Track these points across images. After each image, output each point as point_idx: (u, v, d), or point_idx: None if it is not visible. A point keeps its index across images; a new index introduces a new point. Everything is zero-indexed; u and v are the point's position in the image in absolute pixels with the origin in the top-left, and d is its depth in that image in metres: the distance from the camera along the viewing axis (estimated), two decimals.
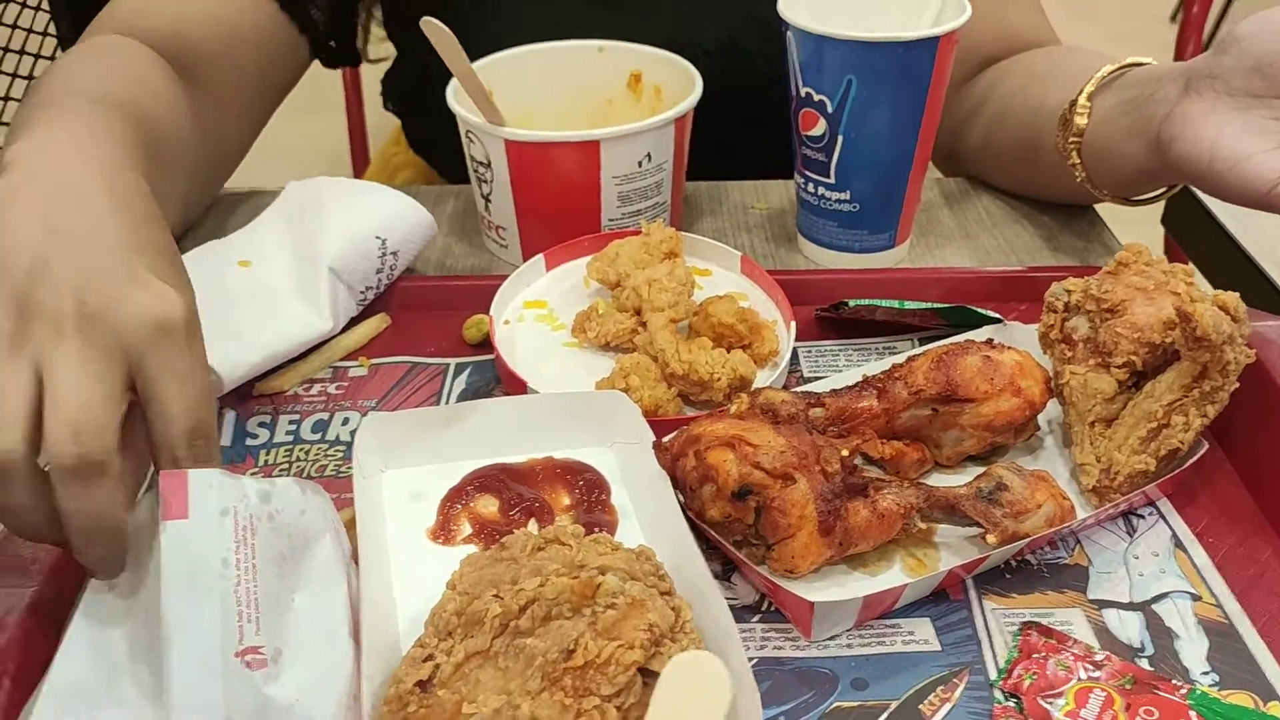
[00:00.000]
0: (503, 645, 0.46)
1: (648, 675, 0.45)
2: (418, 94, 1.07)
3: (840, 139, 0.74)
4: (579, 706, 0.43)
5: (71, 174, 0.54)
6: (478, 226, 0.86)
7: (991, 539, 0.54)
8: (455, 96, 0.79)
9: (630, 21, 0.89)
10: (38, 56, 1.04)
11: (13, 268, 0.48)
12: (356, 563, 0.53)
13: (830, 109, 0.73)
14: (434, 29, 0.72)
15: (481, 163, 0.78)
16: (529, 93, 0.85)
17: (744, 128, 0.94)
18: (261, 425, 0.66)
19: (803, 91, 0.74)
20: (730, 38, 0.92)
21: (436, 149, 1.11)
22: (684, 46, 0.85)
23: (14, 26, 0.99)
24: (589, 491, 0.60)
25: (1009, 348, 0.62)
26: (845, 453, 0.55)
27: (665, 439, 0.58)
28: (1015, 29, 0.92)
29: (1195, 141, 0.65)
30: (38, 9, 1.05)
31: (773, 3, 0.92)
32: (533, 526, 0.58)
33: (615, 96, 0.88)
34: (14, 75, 0.99)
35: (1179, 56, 1.24)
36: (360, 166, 1.73)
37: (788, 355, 0.67)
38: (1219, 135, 0.64)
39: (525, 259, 0.80)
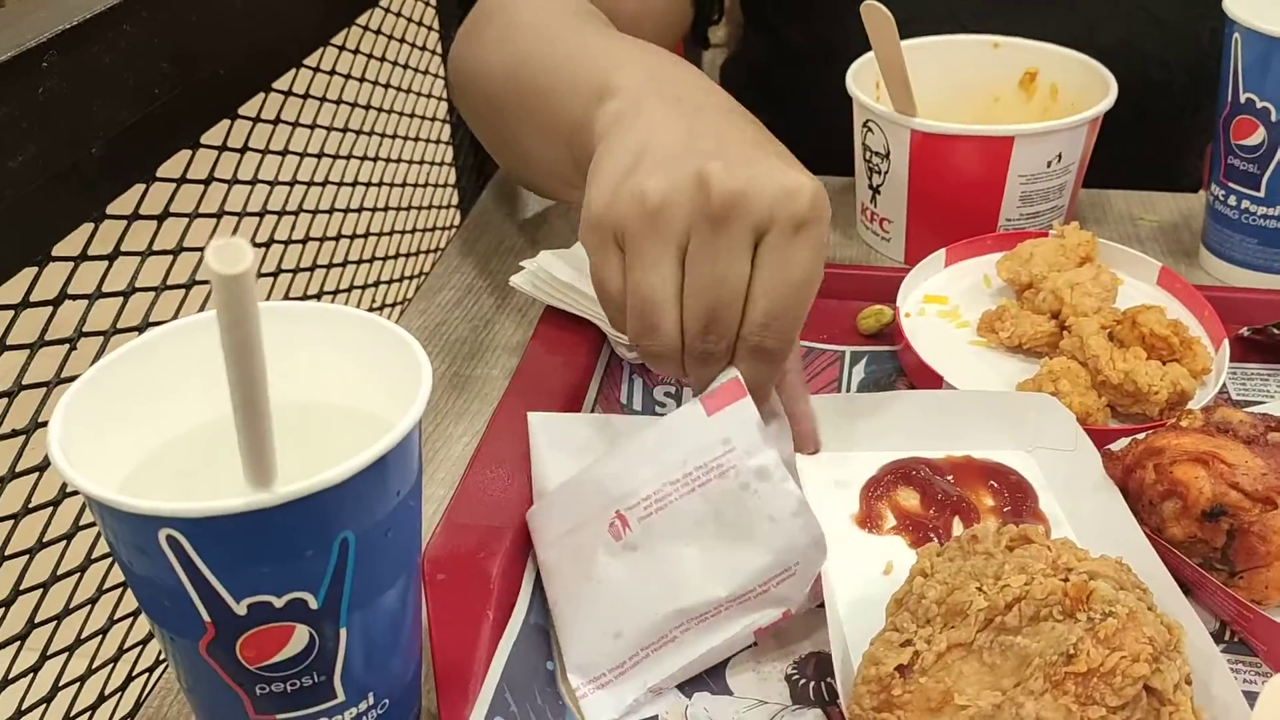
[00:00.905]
0: (987, 640, 0.44)
1: (1149, 691, 0.42)
2: (767, 80, 1.07)
3: None
4: (1084, 714, 0.41)
5: (679, 85, 0.58)
6: (852, 217, 0.85)
7: None
8: (855, 80, 0.78)
9: (1024, 18, 0.86)
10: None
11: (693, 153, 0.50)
12: None
13: (1275, 117, 0.69)
14: (874, 11, 0.71)
15: (878, 153, 0.77)
16: (916, 86, 0.83)
17: (1128, 134, 0.89)
18: (668, 395, 0.67)
19: (1243, 97, 0.70)
20: (1126, 38, 0.88)
21: (780, 136, 1.11)
22: (1078, 45, 0.81)
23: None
24: (1014, 494, 0.58)
25: None
26: None
27: (1115, 448, 0.55)
28: None
29: None
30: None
31: (1176, 4, 0.87)
32: (957, 524, 0.57)
33: (1003, 94, 0.85)
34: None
35: None
36: None
37: (1223, 374, 0.63)
38: None
39: (909, 253, 0.79)
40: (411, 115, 1.00)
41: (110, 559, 0.60)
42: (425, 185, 1.06)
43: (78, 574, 0.61)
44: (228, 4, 0.67)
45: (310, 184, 0.84)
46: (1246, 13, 0.69)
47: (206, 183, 0.71)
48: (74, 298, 0.59)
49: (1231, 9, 0.70)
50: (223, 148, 0.72)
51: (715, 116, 0.55)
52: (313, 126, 0.83)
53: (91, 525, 0.59)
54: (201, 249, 0.31)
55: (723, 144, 0.52)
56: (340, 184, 0.88)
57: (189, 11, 0.63)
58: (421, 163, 1.04)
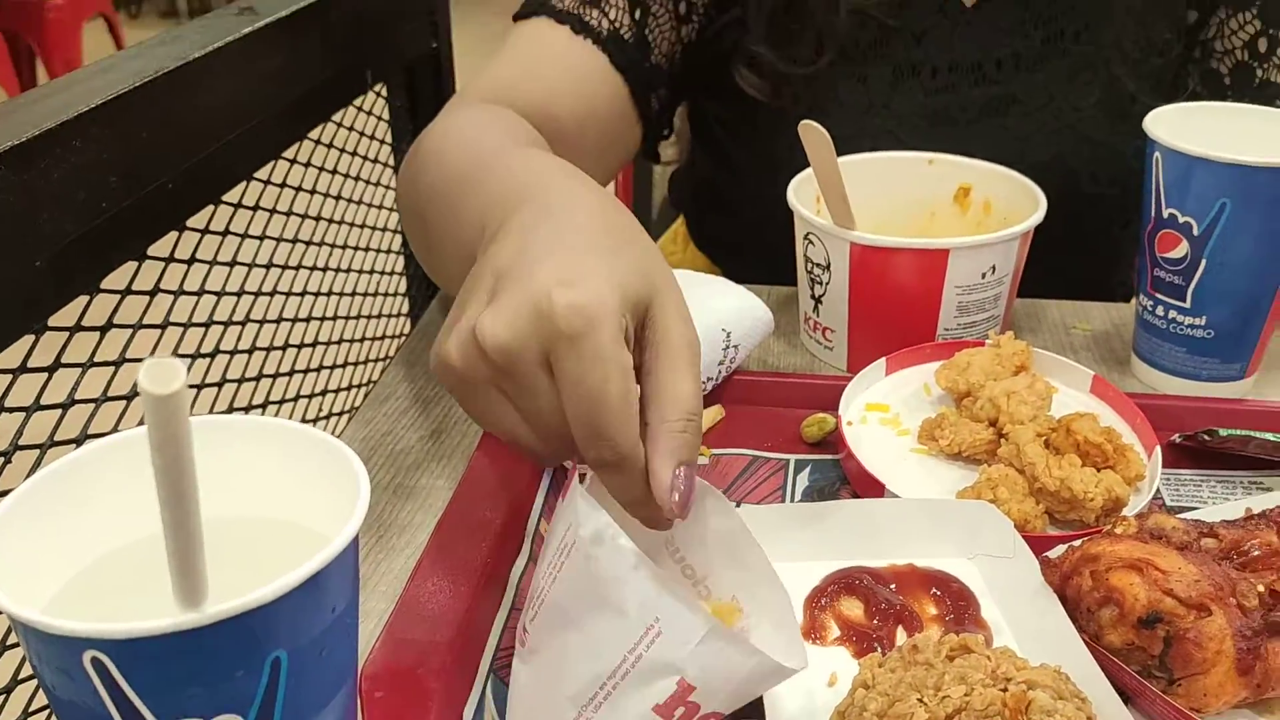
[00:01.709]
0: None
1: None
2: (713, 193, 1.09)
3: (1204, 263, 0.72)
4: None
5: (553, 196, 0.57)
6: (795, 326, 0.86)
7: None
8: (795, 195, 0.80)
9: (960, 136, 0.89)
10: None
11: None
12: None
13: (1196, 232, 0.71)
14: (811, 131, 0.74)
15: (819, 264, 0.79)
16: (854, 200, 0.86)
17: (1061, 246, 0.92)
18: None
19: (1165, 213, 0.73)
20: (1057, 155, 0.91)
21: (726, 247, 1.13)
22: (1011, 162, 0.85)
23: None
24: (956, 602, 0.58)
25: None
26: (1261, 588, 0.52)
27: (1052, 555, 0.56)
28: None
29: None
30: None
31: (1105, 121, 0.91)
32: (901, 634, 0.57)
33: (939, 209, 0.88)
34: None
35: None
36: None
37: (1156, 480, 0.64)
38: None
39: (851, 362, 0.80)
40: (362, 226, 1.01)
41: (35, 681, 0.59)
42: (375, 294, 1.07)
43: (2, 696, 0.59)
44: (179, 120, 0.68)
45: (259, 294, 0.84)
46: (1166, 133, 0.72)
47: (152, 294, 0.71)
48: (10, 410, 0.58)
49: (1151, 129, 0.73)
50: (170, 259, 0.72)
51: (560, 230, 0.54)
52: (262, 237, 0.84)
53: (17, 645, 0.58)
54: (144, 360, 0.32)
55: (532, 266, 0.51)
56: (289, 294, 0.88)
57: (140, 128, 0.64)
58: (372, 272, 1.05)
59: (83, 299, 0.63)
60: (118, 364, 0.67)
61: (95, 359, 0.66)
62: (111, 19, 4.47)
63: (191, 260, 0.76)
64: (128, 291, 0.68)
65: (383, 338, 1.09)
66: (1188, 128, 0.73)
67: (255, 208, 0.82)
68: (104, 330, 0.67)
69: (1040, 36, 0.89)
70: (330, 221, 0.96)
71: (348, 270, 0.99)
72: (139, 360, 0.67)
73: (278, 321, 0.87)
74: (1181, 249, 0.73)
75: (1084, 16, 0.88)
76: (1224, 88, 0.90)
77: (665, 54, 0.90)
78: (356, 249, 1.01)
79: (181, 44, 0.71)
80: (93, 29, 4.31)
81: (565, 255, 0.51)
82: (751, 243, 1.01)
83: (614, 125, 0.89)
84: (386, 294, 1.10)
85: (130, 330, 0.69)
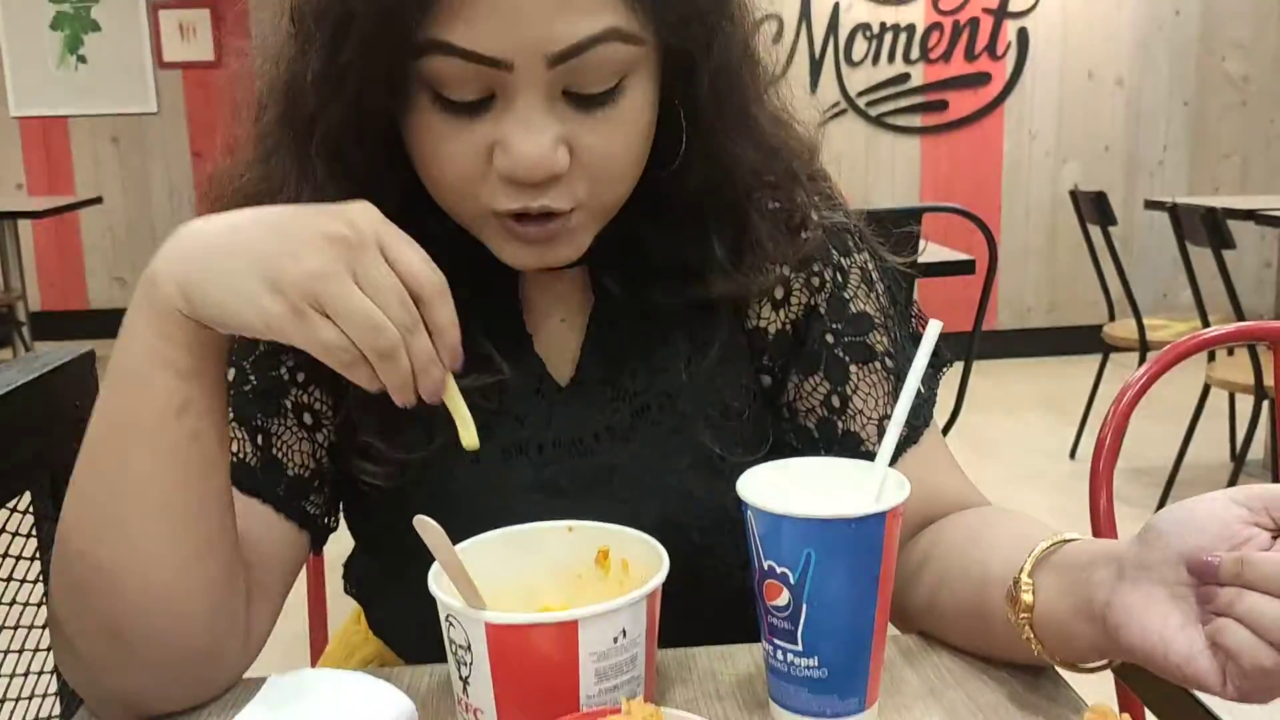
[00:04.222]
0: None
1: None
2: (379, 581, 1.10)
3: (805, 607, 0.79)
4: None
5: None
6: (453, 706, 0.86)
7: None
8: (436, 582, 0.83)
9: (579, 510, 0.94)
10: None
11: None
12: None
13: (793, 580, 0.78)
14: (425, 526, 0.77)
15: (461, 646, 0.80)
16: (502, 572, 0.89)
17: (693, 595, 0.98)
18: None
19: (765, 564, 0.80)
20: (666, 514, 0.98)
21: (398, 632, 1.13)
22: (629, 525, 0.90)
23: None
24: None
25: None
26: None
27: None
28: (943, 491, 1.00)
29: (1144, 634, 0.71)
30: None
31: (701, 480, 1.00)
32: None
33: (584, 572, 0.92)
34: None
35: (1093, 506, 1.34)
36: (319, 645, 1.74)
37: None
38: (1164, 627, 0.70)
39: None
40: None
41: None
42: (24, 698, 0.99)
43: None
44: None
45: None
46: (755, 493, 0.80)
47: None
48: None
49: (742, 490, 0.81)
50: None
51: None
52: None
53: None
54: None
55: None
56: None
57: None
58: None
59: None
60: None
61: None
62: None
63: None
64: None
65: None
66: (780, 483, 0.82)
67: None
68: None
69: (629, 410, 0.99)
70: None
71: None
72: None
73: None
74: (785, 596, 0.79)
75: (664, 390, 0.99)
76: (814, 440, 1.02)
77: (301, 464, 0.93)
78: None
79: None
80: None
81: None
82: (418, 623, 1.01)
83: (273, 541, 0.91)
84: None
85: None
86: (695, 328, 1.00)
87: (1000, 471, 4.18)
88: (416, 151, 0.88)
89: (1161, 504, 3.78)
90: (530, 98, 0.83)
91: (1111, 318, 4.54)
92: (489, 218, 0.88)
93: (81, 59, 6.93)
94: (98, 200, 6.04)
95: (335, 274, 0.73)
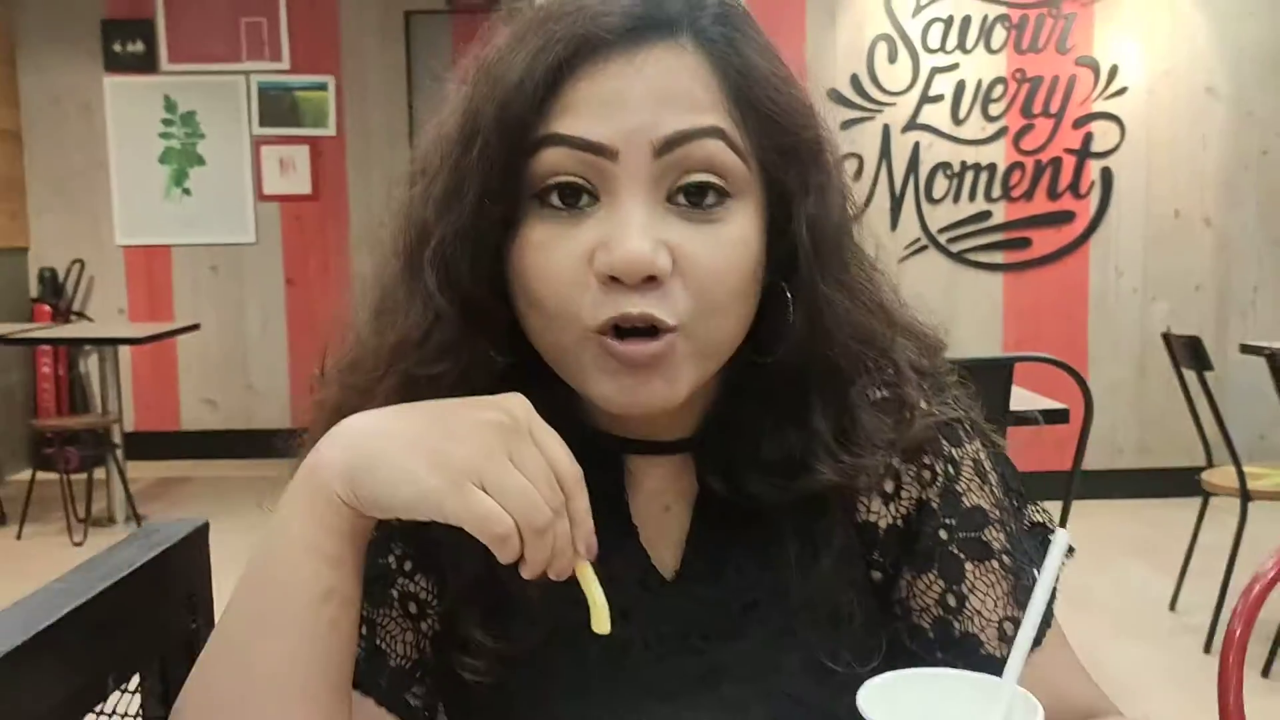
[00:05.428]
0: None
1: None
2: None
3: None
4: None
5: None
6: None
7: None
8: None
9: (679, 712, 0.92)
10: None
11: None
12: None
13: None
14: None
15: None
16: None
17: None
18: None
19: None
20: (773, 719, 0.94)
21: None
22: None
23: None
24: None
25: None
26: None
27: None
28: (1071, 701, 0.95)
29: None
30: None
31: (812, 683, 0.96)
32: None
33: None
34: None
35: (1222, 704, 1.27)
36: None
37: None
38: None
39: None
40: None
41: None
42: None
43: None
44: None
45: None
46: (881, 712, 0.77)
47: None
48: None
49: (865, 708, 0.78)
50: None
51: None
52: None
53: None
54: None
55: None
56: None
57: None
58: None
59: None
60: None
61: None
62: None
63: None
64: None
65: None
66: (901, 700, 0.78)
67: None
68: None
69: (737, 606, 0.96)
70: None
71: None
72: None
73: None
74: None
75: (773, 587, 0.96)
76: (930, 641, 0.98)
77: (404, 654, 0.93)
78: None
79: None
80: None
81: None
82: None
83: None
84: None
85: None
86: (803, 521, 0.98)
87: (1098, 624, 4.01)
88: (520, 272, 0.87)
89: (1270, 660, 3.60)
90: (634, 193, 0.84)
91: (1209, 461, 4.40)
92: (587, 341, 0.86)
93: (186, 191, 7.27)
94: (195, 327, 6.26)
95: (496, 454, 0.77)
